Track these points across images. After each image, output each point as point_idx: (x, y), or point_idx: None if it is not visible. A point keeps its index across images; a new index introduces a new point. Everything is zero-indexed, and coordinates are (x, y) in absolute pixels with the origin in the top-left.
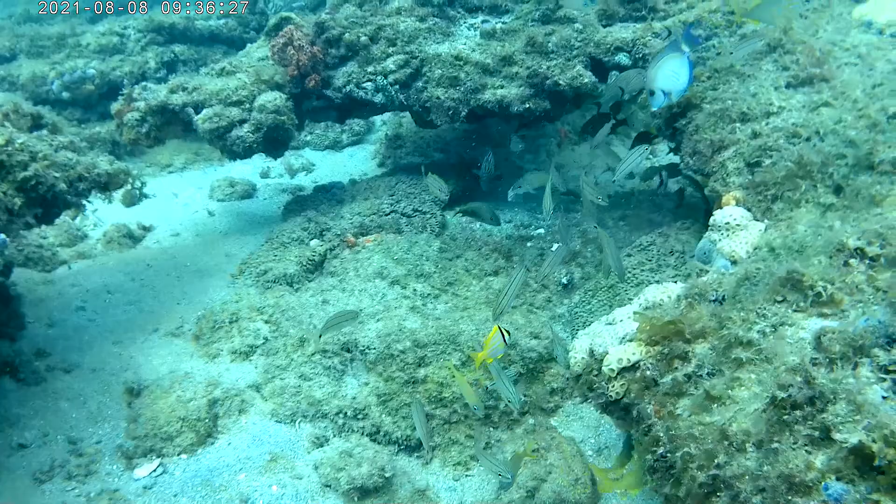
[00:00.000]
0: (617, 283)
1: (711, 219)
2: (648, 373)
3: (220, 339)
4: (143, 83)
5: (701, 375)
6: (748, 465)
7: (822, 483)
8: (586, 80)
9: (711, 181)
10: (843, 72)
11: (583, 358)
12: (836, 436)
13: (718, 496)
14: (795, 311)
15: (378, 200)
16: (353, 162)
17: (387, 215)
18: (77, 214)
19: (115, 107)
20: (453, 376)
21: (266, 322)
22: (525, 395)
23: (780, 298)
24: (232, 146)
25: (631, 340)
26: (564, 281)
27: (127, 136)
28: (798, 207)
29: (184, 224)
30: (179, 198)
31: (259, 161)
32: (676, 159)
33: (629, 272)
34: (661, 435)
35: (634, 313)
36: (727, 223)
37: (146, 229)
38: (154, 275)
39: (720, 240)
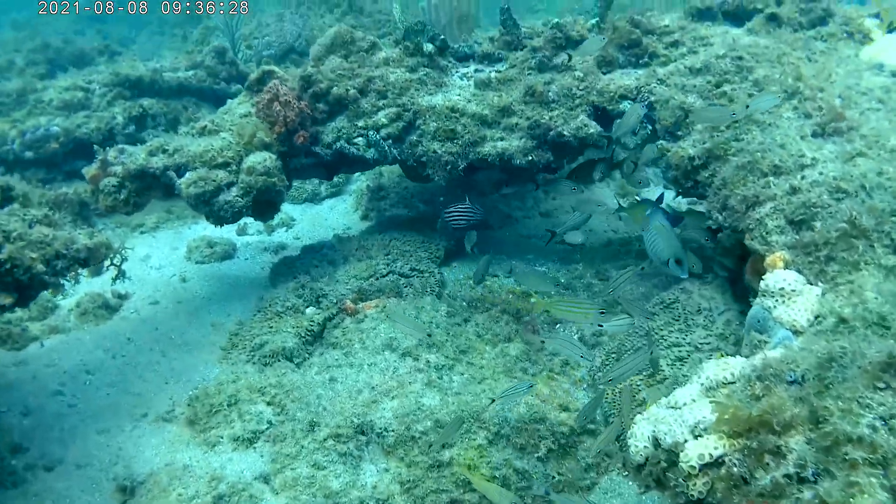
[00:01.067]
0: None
1: (762, 284)
2: (736, 469)
3: (219, 424)
4: (120, 146)
5: (805, 477)
6: None
7: None
8: (592, 131)
9: (748, 239)
10: (868, 118)
11: (645, 447)
12: None
13: None
14: None
15: (373, 261)
16: (334, 215)
17: (384, 276)
18: (55, 294)
19: (89, 171)
20: (472, 480)
21: (268, 404)
22: (559, 474)
23: (882, 385)
24: (219, 211)
25: (706, 430)
26: (576, 338)
27: (104, 203)
28: (857, 270)
29: (162, 290)
30: (152, 260)
31: None
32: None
33: (656, 333)
34: None
35: (711, 402)
36: (781, 289)
37: (122, 297)
38: (136, 350)
39: (775, 307)
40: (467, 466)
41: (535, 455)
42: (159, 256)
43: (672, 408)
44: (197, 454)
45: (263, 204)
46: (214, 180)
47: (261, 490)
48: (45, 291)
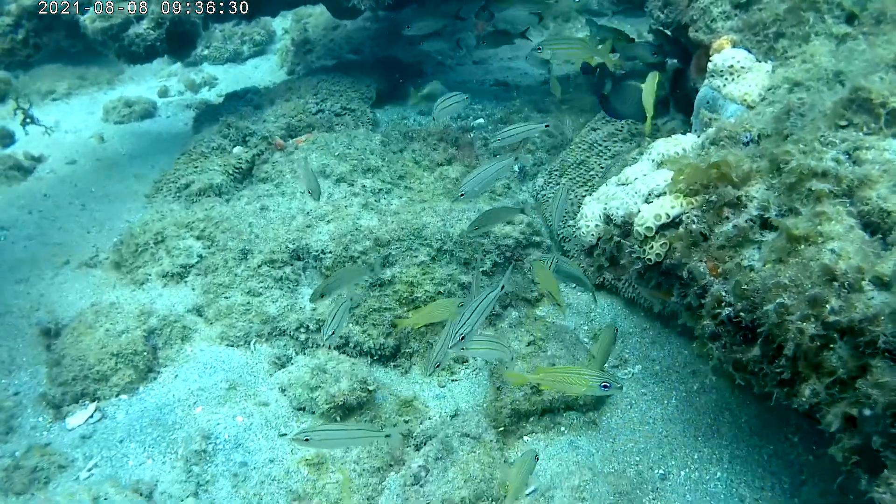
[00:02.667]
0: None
1: (710, 64)
2: (695, 226)
3: (146, 262)
4: None
5: (768, 218)
6: (878, 301)
7: None
8: None
9: (692, 32)
10: None
11: (596, 225)
12: None
13: (832, 348)
14: (868, 133)
15: (302, 100)
16: (259, 73)
17: (314, 115)
18: None
19: None
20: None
21: (198, 238)
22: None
23: (844, 123)
24: (130, 47)
25: (661, 195)
26: (517, 168)
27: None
28: (807, 42)
29: (79, 150)
30: (66, 125)
31: (153, 81)
32: None
33: (599, 145)
34: (724, 294)
35: (667, 162)
36: (730, 66)
37: (36, 160)
38: (54, 205)
39: (724, 85)
40: (409, 283)
41: (481, 269)
42: (74, 121)
43: (622, 185)
44: (125, 293)
45: (178, 37)
46: (122, 12)
47: (194, 321)
48: None
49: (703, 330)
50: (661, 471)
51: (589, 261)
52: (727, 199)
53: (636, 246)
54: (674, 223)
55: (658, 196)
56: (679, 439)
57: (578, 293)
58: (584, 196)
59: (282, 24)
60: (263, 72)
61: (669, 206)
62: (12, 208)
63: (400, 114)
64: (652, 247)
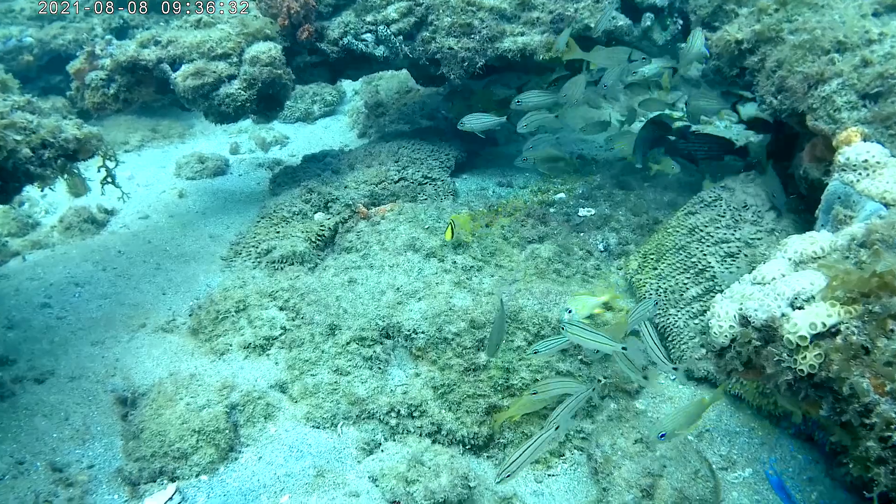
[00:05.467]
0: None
1: (841, 158)
2: (855, 338)
3: (227, 331)
4: (108, 37)
5: None
6: None
7: None
8: (621, 24)
9: (810, 120)
10: None
11: (731, 326)
12: None
13: None
14: None
15: (384, 167)
16: (330, 134)
17: (396, 183)
18: (44, 187)
19: (73, 66)
20: (504, 420)
21: (281, 309)
22: (604, 377)
23: None
24: (220, 106)
25: (810, 300)
26: (601, 247)
27: (91, 99)
28: None
29: (152, 206)
30: (138, 178)
31: (223, 137)
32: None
33: (701, 231)
34: (893, 416)
35: (821, 266)
36: (864, 161)
37: (109, 213)
38: (128, 263)
39: (858, 180)
40: (504, 368)
41: (578, 357)
42: (146, 174)
43: (758, 284)
44: (204, 363)
45: (268, 99)
46: (215, 72)
47: (278, 399)
48: (31, 185)
49: (867, 452)
50: None
51: (719, 362)
52: (893, 311)
53: (785, 355)
54: (829, 333)
55: (806, 300)
56: None
57: (678, 386)
58: (687, 283)
59: (352, 84)
60: (334, 132)
61: (826, 315)
62: (87, 264)
63: (478, 184)
64: (805, 357)
